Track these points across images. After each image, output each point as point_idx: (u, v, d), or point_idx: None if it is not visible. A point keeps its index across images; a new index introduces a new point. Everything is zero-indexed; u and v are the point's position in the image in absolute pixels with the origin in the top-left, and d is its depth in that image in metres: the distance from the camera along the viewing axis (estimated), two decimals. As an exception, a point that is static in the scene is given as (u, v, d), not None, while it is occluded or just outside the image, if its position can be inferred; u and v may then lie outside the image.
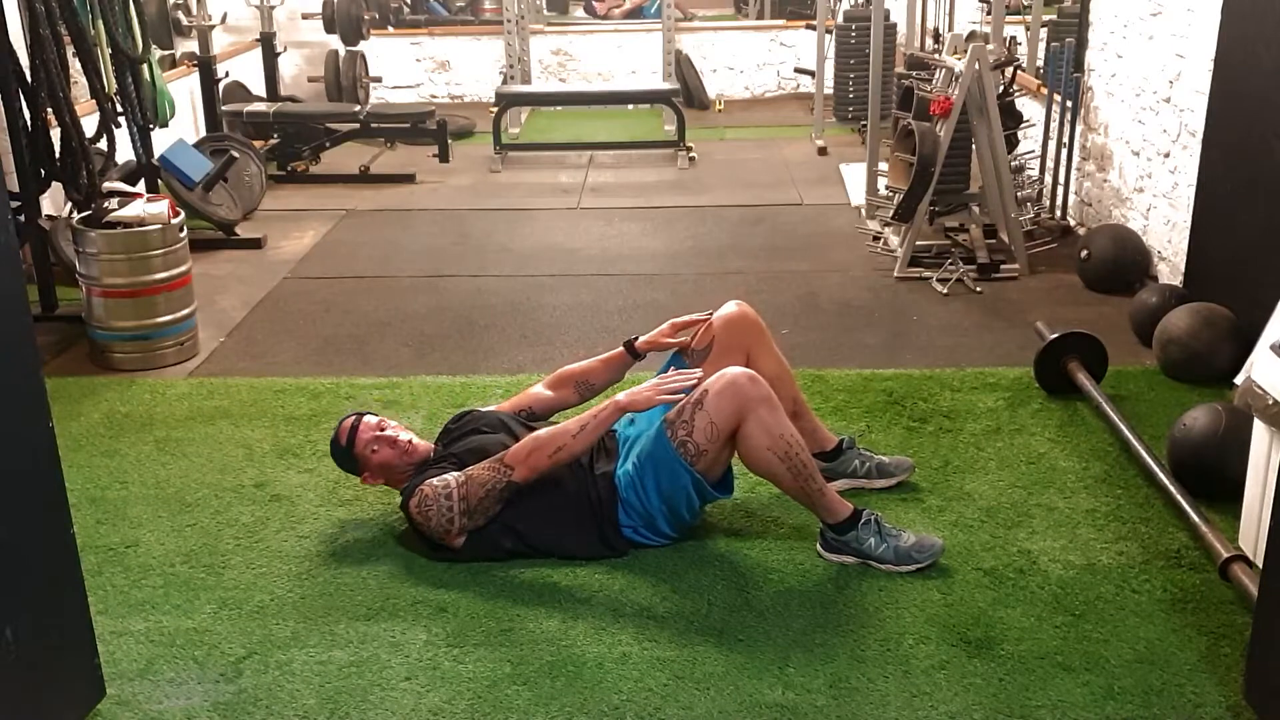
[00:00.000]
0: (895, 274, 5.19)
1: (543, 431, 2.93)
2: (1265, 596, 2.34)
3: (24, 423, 2.19)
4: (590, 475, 2.97)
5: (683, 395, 2.84)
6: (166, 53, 6.87)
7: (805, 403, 3.32)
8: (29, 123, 4.50)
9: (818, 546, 2.97)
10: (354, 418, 3.09)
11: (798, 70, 9.82)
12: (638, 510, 2.93)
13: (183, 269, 4.41)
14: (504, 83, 8.89)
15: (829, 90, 8.27)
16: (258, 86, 7.96)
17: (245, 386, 4.12)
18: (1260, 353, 3.10)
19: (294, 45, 8.93)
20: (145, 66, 5.23)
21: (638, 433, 3.02)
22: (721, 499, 3.04)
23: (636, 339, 3.28)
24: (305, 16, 8.88)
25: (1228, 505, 3.04)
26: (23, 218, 4.58)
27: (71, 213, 4.59)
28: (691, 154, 7.60)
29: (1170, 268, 4.77)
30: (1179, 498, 3.06)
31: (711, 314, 3.27)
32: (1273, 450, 2.72)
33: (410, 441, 3.07)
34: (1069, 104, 5.62)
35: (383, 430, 3.06)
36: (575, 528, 2.94)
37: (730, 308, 3.26)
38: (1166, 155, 4.82)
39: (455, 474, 2.91)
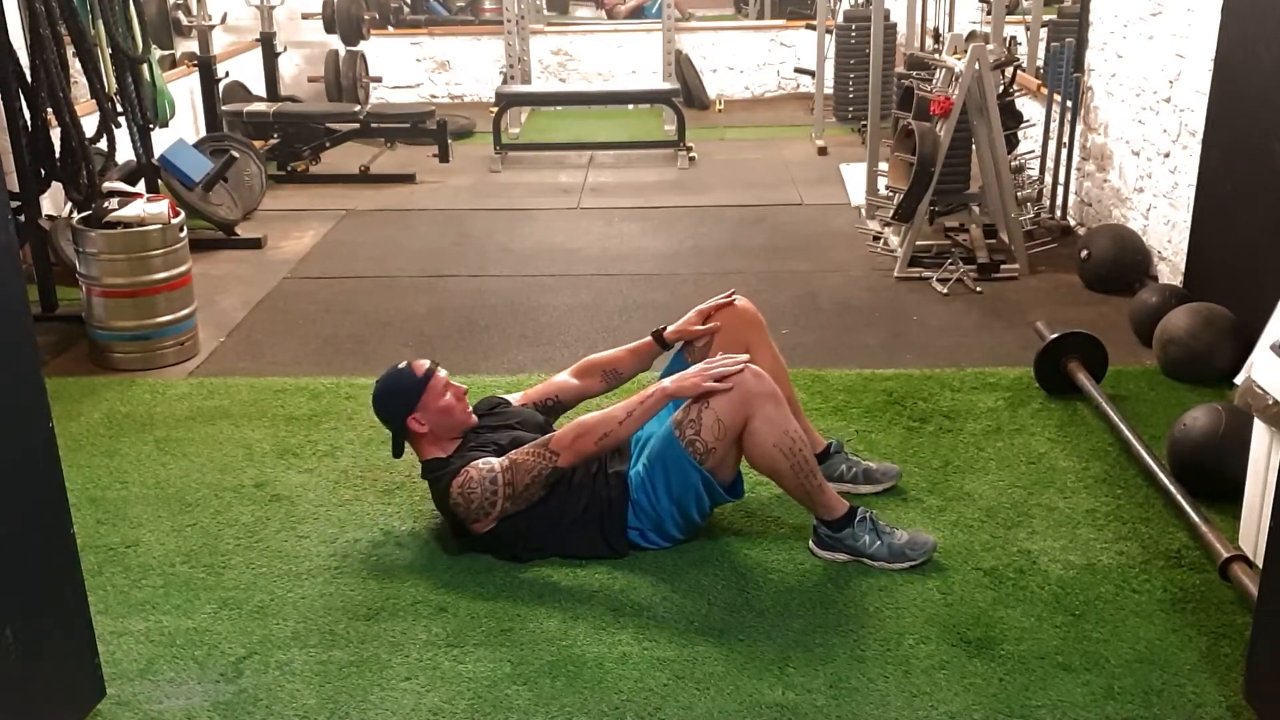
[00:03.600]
0: (895, 274, 5.19)
1: (588, 417, 2.91)
2: (1265, 596, 2.34)
3: (24, 423, 2.19)
4: (604, 474, 2.97)
5: (731, 383, 2.81)
6: (166, 53, 6.87)
7: (799, 403, 3.32)
8: (29, 123, 4.50)
9: (810, 544, 2.97)
10: (430, 361, 3.06)
11: (798, 70, 9.82)
12: (647, 512, 2.93)
13: (183, 269, 4.41)
14: (504, 83, 8.89)
15: (829, 90, 8.28)
16: (258, 86, 7.96)
17: (245, 386, 4.12)
18: (1260, 353, 3.10)
19: (294, 45, 8.92)
20: (145, 66, 5.23)
21: (649, 433, 3.01)
22: (731, 501, 3.04)
23: (665, 328, 3.28)
24: (305, 16, 8.88)
25: (1228, 505, 3.04)
26: (23, 218, 4.58)
27: (71, 213, 4.58)
28: (691, 154, 7.60)
29: (1170, 268, 4.77)
30: (1179, 498, 3.06)
31: (734, 293, 3.29)
32: (1273, 450, 2.72)
33: (469, 405, 3.07)
34: (1069, 104, 5.62)
35: (451, 384, 3.04)
36: (580, 526, 2.93)
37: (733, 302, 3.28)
38: (1166, 155, 4.82)
39: (498, 459, 2.90)
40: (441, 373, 3.03)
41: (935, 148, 5.03)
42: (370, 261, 5.64)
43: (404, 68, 9.89)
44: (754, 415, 2.80)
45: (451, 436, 3.01)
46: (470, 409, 3.07)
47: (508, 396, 3.30)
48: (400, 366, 3.06)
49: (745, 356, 2.90)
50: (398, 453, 3.07)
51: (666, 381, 2.89)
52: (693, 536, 3.02)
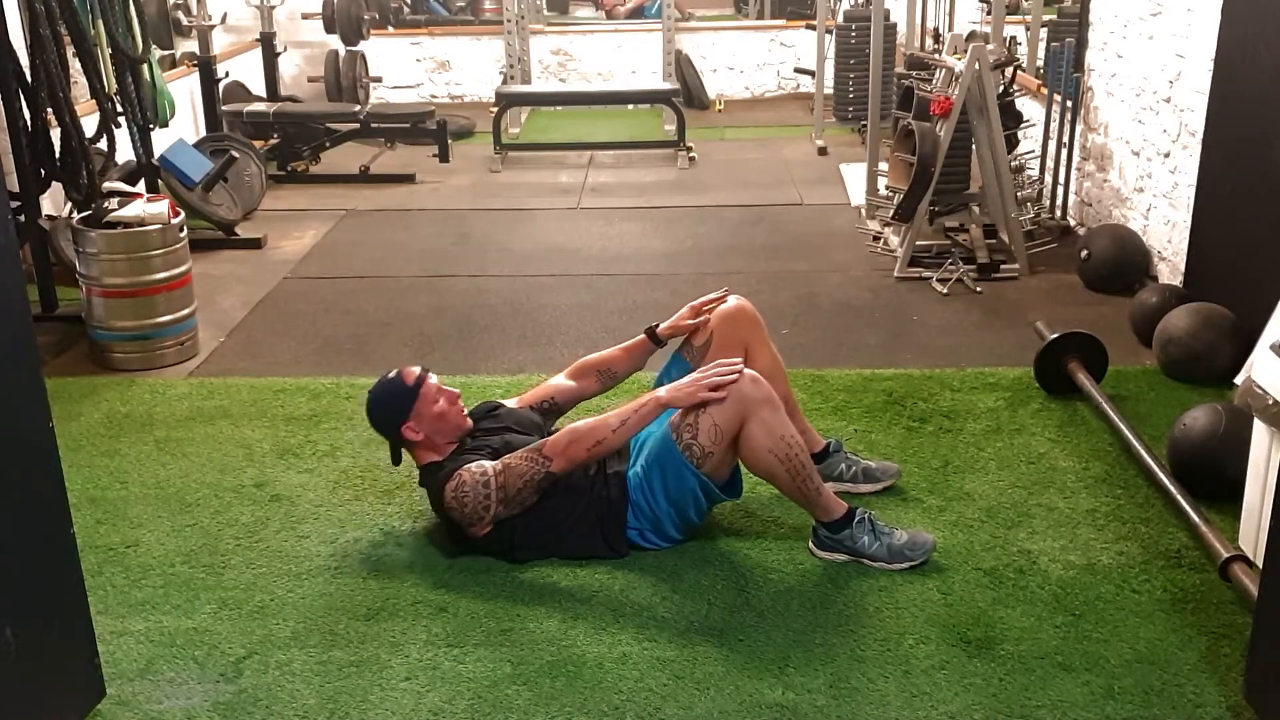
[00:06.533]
0: (895, 274, 5.19)
1: (582, 423, 2.91)
2: (1265, 596, 2.34)
3: (24, 423, 2.19)
4: (603, 474, 2.97)
5: (726, 391, 2.80)
6: (166, 53, 6.87)
7: (796, 402, 3.32)
8: (29, 123, 4.50)
9: (809, 544, 2.97)
10: (420, 368, 3.06)
11: (798, 70, 9.82)
12: (645, 513, 2.93)
13: (183, 269, 4.41)
14: (504, 83, 8.89)
15: (829, 90, 8.28)
16: (258, 86, 7.96)
17: (245, 386, 4.12)
18: (1260, 353, 3.10)
19: (294, 45, 8.93)
20: (145, 66, 5.23)
21: (647, 434, 3.01)
22: (729, 500, 3.04)
23: (658, 326, 3.28)
24: (305, 16, 8.88)
25: (1228, 505, 3.04)
26: (23, 218, 4.58)
27: (71, 213, 4.59)
28: (691, 154, 7.60)
29: (1170, 268, 4.77)
30: (1179, 498, 3.06)
31: (728, 291, 3.29)
32: (1273, 450, 2.72)
33: (464, 408, 3.06)
34: (1069, 104, 5.62)
35: (443, 389, 3.04)
36: (580, 527, 2.93)
37: (730, 302, 3.27)
38: (1166, 155, 4.82)
39: (492, 463, 2.90)
40: (432, 379, 3.03)
41: (935, 148, 5.03)
42: (370, 261, 5.64)
43: (404, 68, 9.89)
44: (750, 420, 2.80)
45: (448, 441, 3.01)
46: (465, 412, 3.07)
47: (504, 400, 3.30)
48: (390, 375, 3.06)
49: (740, 363, 2.90)
50: (396, 460, 3.08)
51: (661, 391, 2.90)
52: (692, 536, 3.02)
